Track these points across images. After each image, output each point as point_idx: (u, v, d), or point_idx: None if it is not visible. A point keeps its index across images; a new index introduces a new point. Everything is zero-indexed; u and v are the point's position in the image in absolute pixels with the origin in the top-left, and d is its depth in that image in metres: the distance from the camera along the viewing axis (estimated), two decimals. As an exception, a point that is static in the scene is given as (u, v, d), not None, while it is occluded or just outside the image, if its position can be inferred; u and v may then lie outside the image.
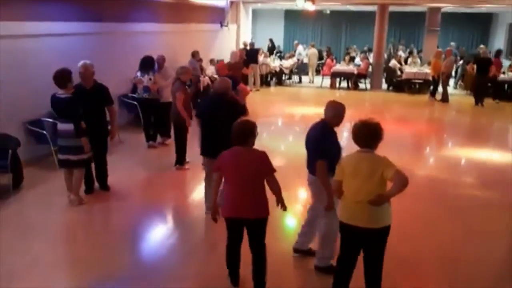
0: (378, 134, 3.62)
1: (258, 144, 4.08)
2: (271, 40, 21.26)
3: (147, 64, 8.53)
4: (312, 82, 18.19)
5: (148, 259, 4.87)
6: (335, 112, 4.30)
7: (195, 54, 12.03)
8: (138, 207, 6.13)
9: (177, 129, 7.34)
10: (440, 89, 14.50)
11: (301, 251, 4.78)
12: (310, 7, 15.12)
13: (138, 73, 8.55)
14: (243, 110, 6.02)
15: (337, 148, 4.28)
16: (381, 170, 3.49)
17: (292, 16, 23.97)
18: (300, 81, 18.28)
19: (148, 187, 6.96)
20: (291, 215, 5.80)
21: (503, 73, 15.25)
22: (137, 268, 4.60)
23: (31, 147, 7.27)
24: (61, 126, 5.71)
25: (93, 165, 6.27)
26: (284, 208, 4.11)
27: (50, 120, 7.28)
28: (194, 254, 4.90)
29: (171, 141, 8.24)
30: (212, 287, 4.27)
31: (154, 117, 8.66)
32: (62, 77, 5.58)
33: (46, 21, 7.69)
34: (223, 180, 4.04)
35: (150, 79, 8.46)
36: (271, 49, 20.45)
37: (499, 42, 21.07)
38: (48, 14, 7.74)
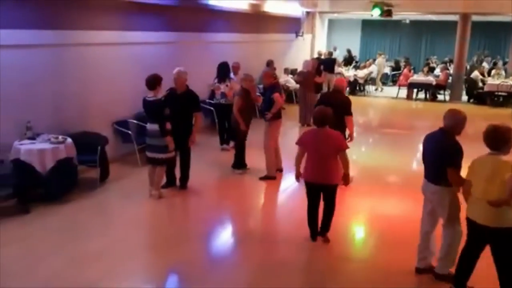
0: (507, 138, 3.75)
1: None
2: (348, 51, 21.13)
3: (224, 71, 9.04)
4: (380, 90, 18.12)
5: (211, 254, 5.24)
6: (456, 120, 4.25)
7: (269, 63, 12.40)
8: (209, 204, 6.57)
9: (236, 133, 7.72)
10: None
11: (424, 270, 4.53)
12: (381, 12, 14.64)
13: (216, 80, 9.08)
14: (350, 111, 6.61)
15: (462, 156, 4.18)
16: (503, 173, 3.65)
17: (369, 26, 23.68)
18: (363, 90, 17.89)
19: (219, 186, 7.40)
20: (363, 224, 5.92)
21: None
22: (200, 262, 4.94)
23: (117, 145, 7.96)
24: (149, 126, 6.29)
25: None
26: (346, 183, 4.97)
27: (135, 121, 7.95)
28: (253, 255, 5.12)
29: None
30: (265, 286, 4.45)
31: (228, 122, 9.08)
32: (153, 80, 6.21)
33: (135, 31, 8.35)
34: None
35: (227, 85, 8.96)
36: (349, 60, 20.30)
37: None
38: (136, 24, 8.42)
